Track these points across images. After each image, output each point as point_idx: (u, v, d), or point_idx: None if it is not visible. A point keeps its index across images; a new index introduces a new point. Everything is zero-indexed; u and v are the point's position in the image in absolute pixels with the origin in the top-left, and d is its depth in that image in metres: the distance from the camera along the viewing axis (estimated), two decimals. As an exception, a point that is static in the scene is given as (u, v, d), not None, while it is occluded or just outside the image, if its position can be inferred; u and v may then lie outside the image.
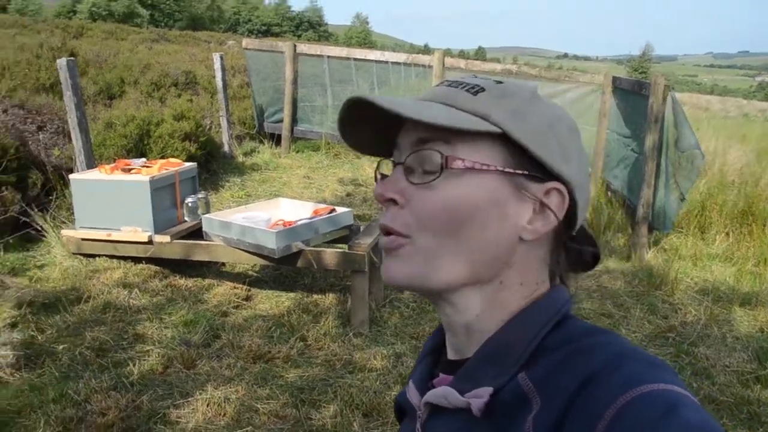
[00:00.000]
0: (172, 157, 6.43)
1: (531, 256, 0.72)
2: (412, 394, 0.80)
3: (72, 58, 5.58)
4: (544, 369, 0.65)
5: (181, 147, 7.11)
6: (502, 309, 0.72)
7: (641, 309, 4.79)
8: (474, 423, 0.67)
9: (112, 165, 5.02)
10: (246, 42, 10.73)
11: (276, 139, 10.28)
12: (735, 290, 5.27)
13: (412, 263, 0.70)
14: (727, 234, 6.30)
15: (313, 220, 4.55)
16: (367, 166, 9.15)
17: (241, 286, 4.93)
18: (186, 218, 5.08)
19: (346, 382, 3.59)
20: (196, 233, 4.87)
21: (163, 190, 4.85)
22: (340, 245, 4.77)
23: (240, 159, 9.18)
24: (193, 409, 3.25)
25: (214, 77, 9.36)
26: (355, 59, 10.02)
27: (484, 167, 0.68)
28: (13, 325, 3.83)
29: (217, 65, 8.97)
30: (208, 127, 9.15)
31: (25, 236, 5.29)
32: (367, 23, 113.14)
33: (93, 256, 4.96)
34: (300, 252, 4.38)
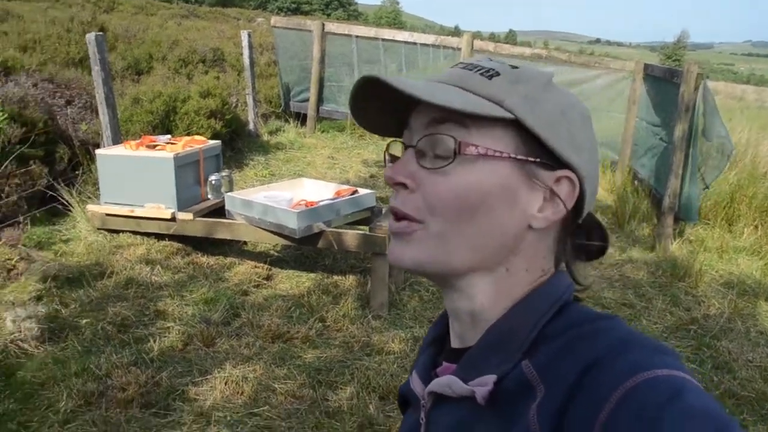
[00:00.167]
0: (198, 134, 6.45)
1: (538, 244, 0.72)
2: (416, 384, 0.80)
3: (101, 33, 5.60)
4: (547, 356, 0.64)
5: (207, 124, 7.13)
6: (507, 296, 0.72)
7: (663, 300, 4.73)
8: (478, 411, 0.67)
9: (138, 141, 5.05)
10: (274, 20, 10.71)
11: (302, 118, 10.27)
12: (761, 284, 5.18)
13: (422, 247, 0.70)
14: (756, 227, 6.18)
15: (335, 201, 4.55)
16: (391, 148, 9.10)
17: (262, 265, 4.95)
18: (209, 196, 5.11)
19: (363, 365, 3.59)
20: (219, 211, 4.90)
21: (187, 168, 4.87)
22: (361, 227, 4.76)
23: (265, 138, 9.20)
24: (211, 386, 3.28)
25: (241, 55, 9.36)
26: (383, 40, 9.95)
27: (497, 154, 0.68)
28: (39, 299, 3.89)
29: (244, 43, 8.96)
30: (234, 105, 9.17)
31: (52, 210, 5.35)
32: (398, 3, 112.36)
33: (117, 231, 5.01)
34: (321, 233, 4.38)
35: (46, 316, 3.70)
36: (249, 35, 9.04)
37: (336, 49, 10.07)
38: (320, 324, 4.09)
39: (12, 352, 3.40)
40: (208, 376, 3.37)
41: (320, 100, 10.08)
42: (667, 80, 6.82)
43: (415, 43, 9.71)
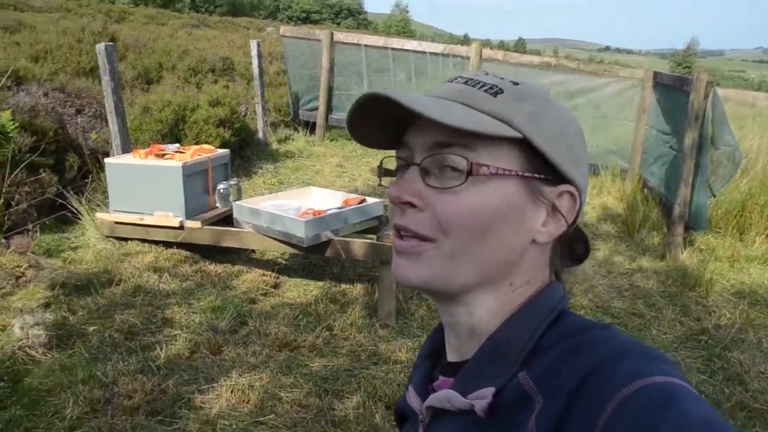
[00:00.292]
0: (207, 143, 6.47)
1: (539, 257, 0.74)
2: (413, 399, 0.80)
3: (111, 43, 5.63)
4: (544, 366, 0.65)
5: (216, 133, 7.16)
6: (507, 309, 0.73)
7: (673, 310, 4.69)
8: (478, 424, 0.68)
9: (147, 150, 5.07)
10: (283, 29, 10.76)
11: (311, 127, 10.30)
12: (774, 294, 5.13)
13: (433, 266, 0.70)
14: (768, 236, 6.13)
15: (342, 209, 4.54)
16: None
17: (269, 273, 4.95)
18: (217, 204, 5.12)
19: (370, 374, 3.58)
20: (228, 220, 4.90)
21: (195, 176, 4.88)
22: (369, 235, 4.76)
23: (274, 146, 9.22)
24: (217, 395, 3.27)
25: (251, 64, 9.40)
26: (392, 49, 9.97)
27: (506, 173, 0.69)
28: (47, 306, 3.90)
29: (254, 52, 9.00)
30: (243, 113, 9.20)
31: (61, 218, 5.38)
32: (407, 12, 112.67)
33: (125, 239, 5.02)
34: (329, 241, 4.38)
35: (54, 323, 3.71)
36: (258, 44, 9.08)
37: (345, 58, 10.10)
38: (327, 332, 4.08)
39: (20, 358, 3.41)
40: (214, 384, 3.36)
41: (329, 108, 10.10)
42: (676, 88, 6.79)
43: (424, 52, 9.73)
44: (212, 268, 4.94)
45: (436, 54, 9.60)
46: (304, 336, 3.98)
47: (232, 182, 5.22)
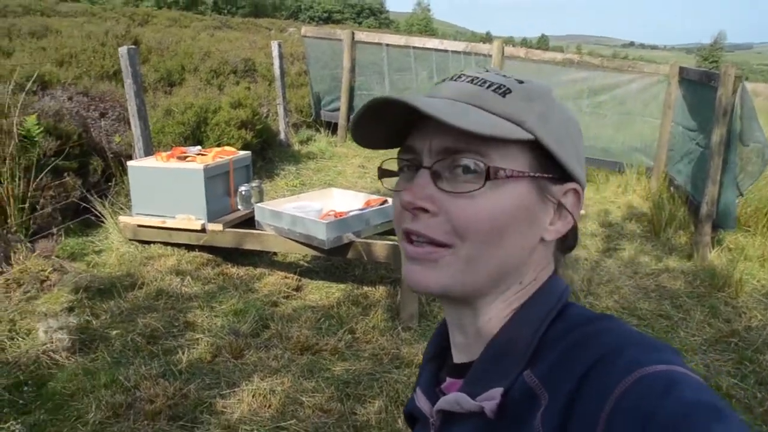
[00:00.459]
0: (228, 144, 6.48)
1: (545, 254, 0.75)
2: (422, 402, 0.80)
3: (133, 46, 5.66)
4: (548, 363, 0.66)
5: (238, 135, 7.17)
6: (513, 307, 0.74)
7: (702, 311, 4.59)
8: (489, 425, 0.68)
9: (168, 153, 5.09)
10: (305, 29, 10.77)
11: (332, 127, 10.29)
12: (806, 294, 5.00)
13: (450, 272, 0.70)
14: (800, 234, 5.99)
15: (364, 211, 4.51)
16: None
17: (291, 276, 4.94)
18: (239, 207, 5.12)
19: (392, 378, 3.54)
20: (249, 222, 4.90)
21: (217, 179, 4.89)
22: (391, 237, 4.72)
23: (296, 147, 9.22)
24: (238, 399, 3.26)
25: (272, 65, 9.41)
26: (414, 47, 9.92)
27: (520, 174, 0.69)
28: (70, 310, 3.92)
29: (275, 53, 9.01)
30: (264, 115, 9.21)
31: (85, 222, 5.42)
32: (429, 10, 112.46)
33: (148, 242, 5.04)
34: (350, 243, 4.35)
35: (78, 327, 3.72)
36: (279, 45, 9.08)
37: (366, 58, 10.07)
38: (349, 336, 4.06)
39: (44, 362, 3.43)
40: (235, 389, 3.35)
41: (351, 108, 10.07)
42: (703, 83, 6.66)
43: (446, 51, 9.66)
44: (234, 270, 4.94)
45: (458, 52, 9.53)
46: (326, 339, 3.96)
47: (253, 184, 5.22)
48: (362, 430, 3.09)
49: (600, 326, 0.67)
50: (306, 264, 5.24)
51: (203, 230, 4.79)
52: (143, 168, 4.91)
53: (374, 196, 4.97)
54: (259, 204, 4.76)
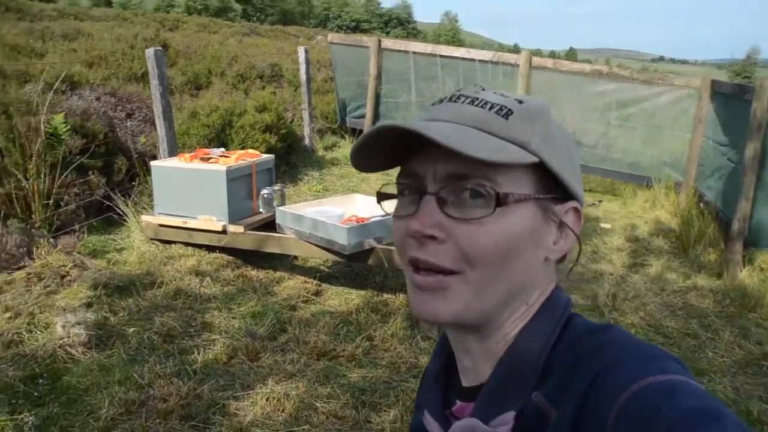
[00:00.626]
0: (252, 148, 6.48)
1: (548, 273, 0.75)
2: (433, 427, 0.79)
3: (160, 48, 5.69)
4: (555, 380, 0.66)
5: (262, 138, 7.17)
6: (519, 328, 0.73)
7: (731, 332, 4.45)
8: None
9: (192, 154, 5.09)
10: (331, 36, 10.78)
11: (357, 134, 10.26)
12: (840, 316, 4.84)
13: (461, 299, 0.69)
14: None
15: (386, 217, 4.45)
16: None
17: (311, 280, 4.90)
18: (261, 209, 5.10)
19: (409, 387, 3.48)
20: (271, 225, 4.88)
21: (239, 181, 4.87)
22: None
23: (320, 153, 9.21)
24: (252, 402, 3.22)
25: (298, 70, 9.42)
26: (440, 56, 9.87)
27: (526, 197, 0.69)
28: (89, 305, 3.92)
29: (301, 58, 9.02)
30: (290, 120, 9.22)
31: (108, 220, 5.44)
32: (456, 21, 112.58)
33: (169, 242, 5.04)
34: (371, 249, 4.30)
35: (95, 323, 3.72)
36: (306, 51, 9.09)
37: (393, 66, 10.05)
38: (367, 343, 4.00)
39: (60, 356, 3.42)
40: (249, 391, 3.31)
41: (376, 116, 10.05)
42: (737, 97, 6.53)
43: (473, 60, 9.61)
44: (254, 273, 4.91)
45: (485, 62, 9.47)
46: (344, 345, 3.91)
47: (276, 187, 5.20)
48: (377, 438, 3.03)
49: (600, 339, 0.67)
50: (326, 269, 5.20)
51: (224, 232, 4.77)
52: (166, 168, 4.91)
53: (396, 203, 4.91)
54: (280, 207, 4.74)
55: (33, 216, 4.86)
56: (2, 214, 4.65)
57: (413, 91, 10.08)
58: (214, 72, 10.73)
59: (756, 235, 5.61)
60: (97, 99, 7.12)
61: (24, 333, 3.56)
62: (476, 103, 0.72)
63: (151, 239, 5.06)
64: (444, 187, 0.69)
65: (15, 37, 10.15)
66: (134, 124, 7.01)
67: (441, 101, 0.76)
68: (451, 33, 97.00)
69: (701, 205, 7.12)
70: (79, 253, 4.62)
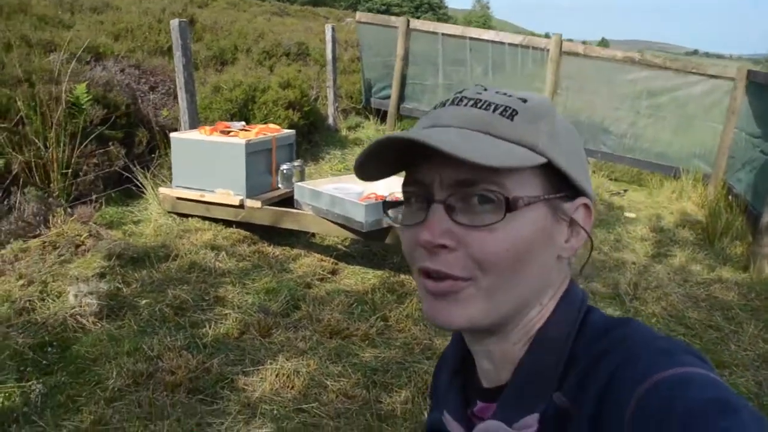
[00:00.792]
0: (274, 124, 6.41)
1: (562, 270, 0.74)
2: (453, 426, 0.79)
3: (184, 20, 5.62)
4: (575, 379, 0.66)
5: (284, 115, 7.10)
6: (536, 327, 0.73)
7: (756, 326, 4.31)
8: None
9: (212, 127, 5.03)
10: (359, 15, 10.65)
11: (381, 115, 10.17)
12: None
13: (474, 304, 0.69)
14: None
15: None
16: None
17: (328, 258, 4.84)
18: (279, 185, 5.04)
19: (422, 368, 3.41)
20: (289, 201, 4.81)
21: (258, 155, 4.81)
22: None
23: (343, 132, 9.13)
24: (261, 378, 3.17)
25: (325, 49, 9.33)
26: (470, 38, 9.71)
27: (536, 200, 0.68)
28: (102, 276, 3.89)
29: (328, 36, 8.91)
30: (314, 98, 9.14)
31: (127, 192, 5.41)
32: (488, 8, 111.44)
33: (186, 216, 5.00)
34: (389, 228, 4.22)
35: (107, 294, 3.68)
36: (333, 29, 8.99)
37: (421, 48, 9.91)
38: (382, 323, 3.93)
39: (70, 325, 3.39)
40: (259, 367, 3.26)
41: (401, 97, 9.93)
42: (773, 88, 6.32)
43: (502, 43, 9.43)
44: (270, 250, 4.86)
45: (515, 45, 9.29)
46: (357, 325, 3.84)
47: (296, 163, 5.13)
48: (386, 419, 2.96)
49: (618, 334, 0.67)
50: (344, 248, 5.14)
51: (241, 206, 4.72)
52: (186, 140, 4.86)
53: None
54: (299, 183, 4.67)
55: (51, 185, 4.84)
56: (21, 182, 4.63)
57: (440, 75, 9.95)
58: (240, 48, 10.66)
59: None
60: (122, 71, 7.10)
61: (36, 301, 3.54)
62: (479, 105, 0.70)
63: (169, 212, 5.03)
64: (452, 194, 0.68)
65: (44, 8, 10.14)
66: (157, 97, 6.99)
67: (443, 104, 0.74)
68: (482, 20, 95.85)
69: (730, 197, 6.94)
70: (95, 223, 4.60)
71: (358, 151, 8.45)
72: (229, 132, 4.90)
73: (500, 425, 0.69)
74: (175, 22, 5.51)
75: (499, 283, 0.68)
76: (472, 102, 0.71)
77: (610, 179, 8.65)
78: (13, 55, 5.69)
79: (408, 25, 9.70)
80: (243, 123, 5.36)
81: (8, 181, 4.59)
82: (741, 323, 4.34)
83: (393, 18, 10.46)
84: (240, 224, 4.91)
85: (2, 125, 4.82)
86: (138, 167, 5.44)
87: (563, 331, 0.71)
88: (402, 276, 4.63)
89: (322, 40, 11.18)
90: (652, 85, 8.50)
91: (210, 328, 3.58)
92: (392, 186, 4.63)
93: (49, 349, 3.18)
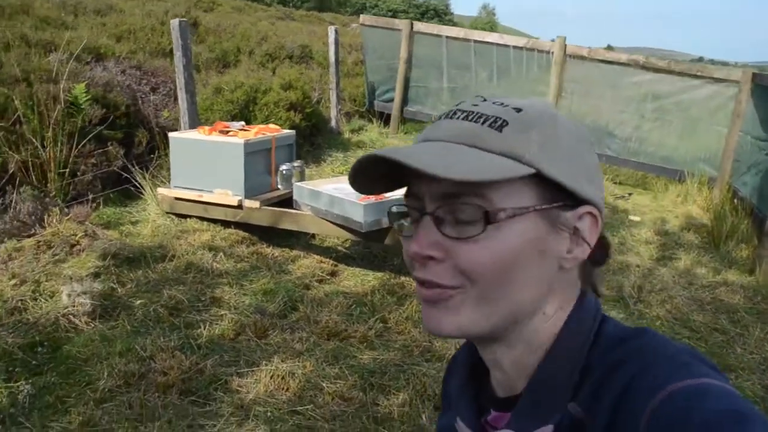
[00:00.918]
0: (275, 125, 6.37)
1: (567, 280, 0.73)
2: None
3: (184, 19, 5.58)
4: (590, 389, 0.66)
5: (286, 116, 7.05)
6: (545, 337, 0.72)
7: (762, 329, 4.22)
8: None
9: (211, 127, 4.98)
10: (363, 18, 10.62)
11: (385, 118, 10.12)
12: None
13: (465, 313, 0.69)
14: None
15: (405, 197, 4.31)
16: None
17: (327, 260, 4.77)
18: (279, 186, 4.98)
19: (420, 370, 3.34)
20: (288, 202, 4.75)
21: (257, 155, 4.75)
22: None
23: (346, 135, 9.07)
24: (256, 379, 3.10)
25: (328, 51, 9.28)
26: (474, 41, 9.66)
27: (524, 211, 0.67)
28: (96, 275, 3.83)
29: (331, 38, 8.87)
30: (316, 100, 9.09)
31: (126, 192, 5.36)
32: (494, 14, 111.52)
33: (185, 216, 4.94)
34: (389, 228, 4.16)
35: (101, 294, 3.62)
36: (336, 31, 8.94)
37: (425, 51, 9.87)
38: (381, 325, 3.86)
39: (62, 325, 3.33)
40: (254, 368, 3.19)
41: (405, 100, 9.89)
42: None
43: (506, 46, 9.38)
44: (269, 251, 4.80)
45: (519, 48, 9.23)
46: (356, 326, 3.77)
47: (295, 164, 5.08)
48: (383, 422, 2.89)
49: (634, 345, 0.67)
50: (344, 249, 5.07)
51: (240, 206, 4.66)
52: (184, 140, 4.81)
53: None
54: (298, 183, 4.61)
55: (48, 185, 4.79)
56: (17, 182, 4.58)
57: (445, 78, 9.90)
58: (243, 50, 10.63)
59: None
60: (123, 72, 7.06)
61: (28, 301, 3.48)
62: (471, 117, 0.70)
63: (167, 213, 4.97)
64: (440, 207, 0.68)
65: (47, 10, 10.13)
66: (158, 98, 6.95)
67: (440, 117, 0.75)
68: (487, 26, 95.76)
69: (735, 200, 6.86)
70: (92, 223, 4.54)
71: (360, 153, 8.39)
72: (228, 132, 4.85)
73: None
74: (175, 22, 5.47)
75: (487, 293, 0.68)
76: (464, 115, 0.71)
77: (615, 183, 8.58)
78: (12, 54, 5.66)
79: (411, 28, 9.66)
80: (242, 123, 5.31)
81: (4, 181, 4.54)
82: (747, 326, 4.26)
83: (397, 21, 10.43)
84: (239, 225, 4.84)
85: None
86: (137, 168, 5.39)
87: (578, 341, 0.70)
88: (402, 278, 4.57)
89: (326, 43, 11.16)
90: (656, 89, 8.44)
91: (205, 328, 3.51)
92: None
93: (40, 349, 3.12)
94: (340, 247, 5.10)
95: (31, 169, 4.72)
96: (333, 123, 9.00)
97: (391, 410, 2.98)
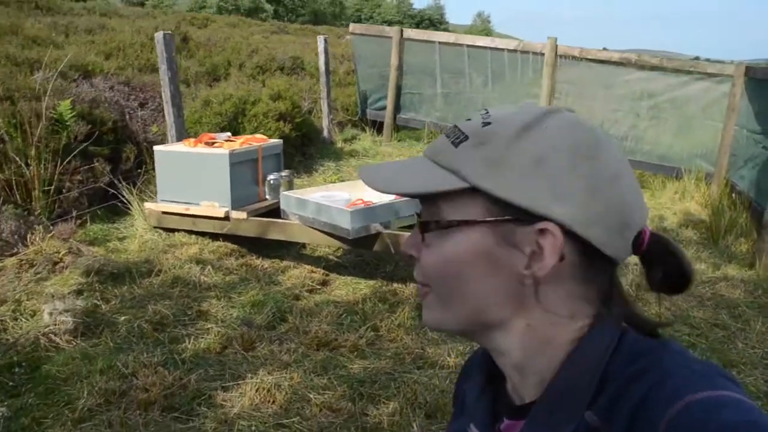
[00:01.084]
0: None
1: (553, 293, 0.71)
2: None
3: (169, 32, 5.53)
4: (607, 399, 0.65)
5: (275, 127, 6.99)
6: (547, 348, 0.71)
7: (763, 323, 4.13)
8: None
9: (196, 139, 4.92)
10: (353, 27, 10.58)
11: (378, 126, 10.06)
12: None
13: (434, 309, 0.74)
14: None
15: (394, 201, 4.23)
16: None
17: (318, 270, 4.69)
18: (267, 196, 4.91)
19: (412, 378, 3.24)
20: (276, 212, 4.67)
21: (243, 165, 4.68)
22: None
23: (339, 145, 9.01)
24: (241, 393, 3.01)
25: (318, 61, 9.24)
26: (467, 46, 9.61)
27: (468, 222, 0.69)
28: (79, 293, 3.75)
29: (320, 48, 8.83)
30: (307, 110, 9.03)
31: (113, 209, 5.29)
32: (489, 22, 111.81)
33: (173, 230, 4.86)
34: (377, 235, 4.08)
35: (84, 311, 3.54)
36: (325, 40, 8.91)
37: (418, 58, 9.83)
38: (372, 333, 3.77)
39: (42, 344, 3.25)
40: (240, 382, 3.10)
41: (397, 108, 9.83)
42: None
43: (499, 50, 9.33)
44: (258, 262, 4.72)
45: (512, 51, 9.19)
46: (346, 336, 3.68)
47: (283, 173, 5.00)
48: (372, 433, 2.80)
49: (652, 357, 0.66)
50: (335, 258, 4.99)
51: (227, 218, 4.58)
52: (169, 153, 4.75)
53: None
54: (285, 192, 4.54)
55: (33, 203, 4.72)
56: (0, 200, 4.51)
57: (438, 84, 9.85)
58: (234, 63, 10.59)
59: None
60: (111, 88, 7.02)
61: (8, 321, 3.40)
62: (449, 133, 0.73)
63: (155, 227, 4.90)
64: (420, 213, 0.75)
65: (38, 30, 10.12)
66: (147, 113, 6.89)
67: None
68: (483, 34, 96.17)
69: (733, 195, 6.78)
70: (76, 240, 4.47)
71: (353, 162, 8.33)
72: (213, 143, 4.78)
73: None
74: (159, 35, 5.43)
75: (441, 295, 0.72)
76: (451, 128, 0.73)
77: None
78: (-5, 73, 5.61)
79: (402, 35, 9.61)
80: (228, 134, 5.25)
81: (-13, 200, 4.47)
82: (748, 321, 4.17)
83: (387, 28, 10.38)
84: (228, 237, 4.77)
85: (-19, 144, 4.72)
86: (124, 183, 5.31)
87: (599, 351, 0.69)
88: (395, 285, 4.48)
89: (318, 54, 11.12)
90: (650, 87, 8.39)
91: (190, 343, 3.43)
92: (383, 195, 4.49)
93: (17, 369, 3.03)
94: (331, 256, 5.02)
95: (15, 187, 4.65)
96: (325, 133, 8.94)
97: (380, 420, 2.89)
